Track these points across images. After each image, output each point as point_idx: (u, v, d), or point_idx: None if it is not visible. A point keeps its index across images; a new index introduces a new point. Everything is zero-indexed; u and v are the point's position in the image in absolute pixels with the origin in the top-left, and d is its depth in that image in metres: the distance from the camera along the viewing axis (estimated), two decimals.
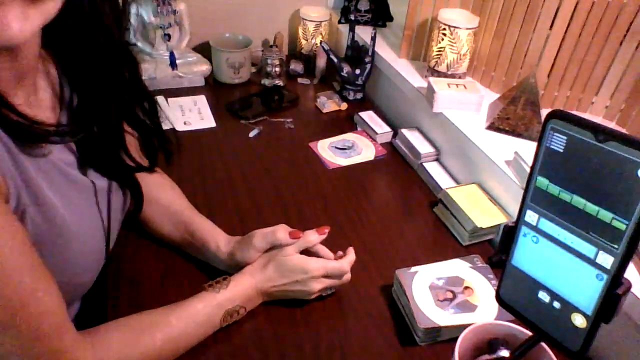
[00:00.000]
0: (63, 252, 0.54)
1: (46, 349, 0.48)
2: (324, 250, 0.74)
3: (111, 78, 0.56)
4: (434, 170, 1.02)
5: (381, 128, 1.14)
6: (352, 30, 1.25)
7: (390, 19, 1.38)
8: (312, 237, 0.73)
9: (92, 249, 0.60)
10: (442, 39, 1.01)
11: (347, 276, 0.74)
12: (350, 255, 0.74)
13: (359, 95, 1.29)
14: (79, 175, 0.58)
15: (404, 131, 1.10)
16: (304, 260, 0.70)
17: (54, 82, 0.58)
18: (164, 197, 0.79)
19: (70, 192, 0.56)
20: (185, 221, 0.77)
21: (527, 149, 0.85)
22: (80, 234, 0.56)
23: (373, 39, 1.19)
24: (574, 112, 0.45)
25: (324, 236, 0.74)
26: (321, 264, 0.71)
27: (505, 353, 0.55)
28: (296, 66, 1.39)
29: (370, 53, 1.21)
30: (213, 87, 1.30)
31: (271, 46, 1.33)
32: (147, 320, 0.61)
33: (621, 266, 0.37)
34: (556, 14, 0.90)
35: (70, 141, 0.55)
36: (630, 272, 0.66)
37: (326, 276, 0.71)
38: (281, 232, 0.72)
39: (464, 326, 0.56)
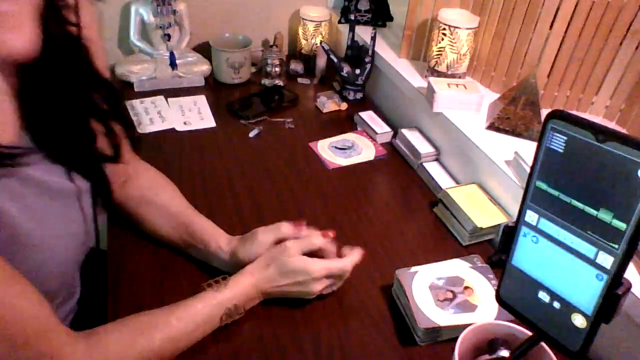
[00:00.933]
0: (24, 262, 0.52)
1: (34, 353, 0.47)
2: (327, 247, 0.74)
3: (60, 71, 0.55)
4: (434, 170, 1.02)
5: (381, 128, 1.14)
6: (352, 30, 1.25)
7: (390, 19, 1.38)
8: (317, 240, 0.72)
9: (60, 257, 0.59)
10: (442, 39, 1.01)
11: (347, 274, 0.74)
12: (355, 256, 0.74)
13: (359, 95, 1.29)
14: (52, 181, 0.57)
15: (404, 131, 1.10)
16: (306, 261, 0.70)
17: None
18: (162, 197, 0.79)
19: (37, 201, 0.54)
20: (184, 222, 0.77)
21: (527, 149, 0.85)
22: (48, 244, 0.55)
23: (373, 39, 1.19)
24: (574, 112, 0.45)
25: (327, 240, 0.74)
26: (323, 265, 0.70)
27: (505, 353, 0.55)
28: (296, 66, 1.39)
29: (370, 53, 1.21)
30: (213, 87, 1.30)
31: (271, 46, 1.33)
32: (146, 321, 0.61)
33: (621, 266, 0.37)
34: (556, 14, 0.90)
35: (26, 164, 0.52)
36: (630, 272, 0.66)
37: (328, 277, 0.71)
38: (285, 226, 0.73)
39: (464, 326, 0.56)
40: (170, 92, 1.24)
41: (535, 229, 0.42)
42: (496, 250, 0.86)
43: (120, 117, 0.65)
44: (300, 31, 1.41)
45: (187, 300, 0.65)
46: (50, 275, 0.58)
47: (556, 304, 0.42)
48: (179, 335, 0.62)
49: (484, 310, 0.70)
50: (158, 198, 0.79)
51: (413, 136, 1.09)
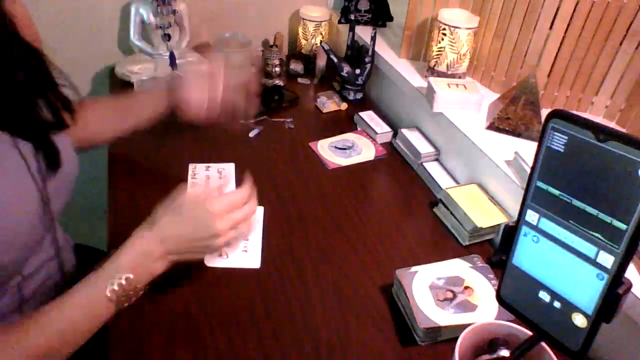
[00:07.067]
0: None
1: None
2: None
3: None
4: (434, 170, 1.02)
5: (381, 128, 1.14)
6: (352, 30, 1.25)
7: (390, 19, 1.38)
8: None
9: (10, 226, 0.57)
10: (442, 39, 1.01)
11: (253, 207, 0.70)
12: (247, 184, 0.70)
13: (359, 95, 1.29)
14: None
15: (404, 131, 1.10)
16: (199, 194, 0.66)
17: None
18: (99, 106, 0.86)
19: None
20: (121, 102, 0.84)
21: (527, 149, 0.85)
22: None
23: (373, 39, 1.19)
24: (574, 112, 0.45)
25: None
26: (219, 195, 0.66)
27: (505, 353, 0.55)
28: (296, 66, 1.39)
29: (370, 53, 1.21)
30: None
31: (271, 46, 1.33)
32: (27, 326, 0.56)
33: (622, 266, 0.37)
34: (556, 14, 0.90)
35: None
36: (631, 272, 0.66)
37: (230, 211, 0.66)
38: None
39: (464, 326, 0.56)
40: None
41: (535, 228, 0.43)
42: (496, 250, 0.86)
43: (52, 86, 0.64)
44: (300, 31, 1.41)
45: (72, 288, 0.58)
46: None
47: (557, 304, 0.42)
48: (63, 329, 0.56)
49: (484, 310, 0.70)
50: (96, 109, 0.83)
51: (413, 136, 1.09)
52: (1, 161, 0.58)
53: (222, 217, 0.65)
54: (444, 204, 0.91)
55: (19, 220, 0.59)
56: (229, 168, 0.99)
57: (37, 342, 0.54)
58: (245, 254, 0.79)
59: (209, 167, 0.98)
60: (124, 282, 0.58)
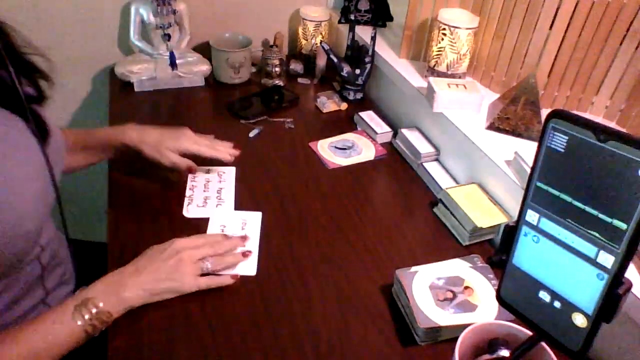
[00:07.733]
0: None
1: None
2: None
3: None
4: (434, 170, 1.02)
5: (381, 128, 1.14)
6: (352, 30, 1.25)
7: (390, 19, 1.38)
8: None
9: (29, 195, 0.59)
10: (442, 39, 1.01)
11: (223, 245, 0.77)
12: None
13: (359, 95, 1.29)
14: None
15: (404, 131, 1.10)
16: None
17: None
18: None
19: None
20: (83, 138, 0.83)
21: (527, 149, 0.85)
22: (10, 184, 0.56)
23: (373, 39, 1.19)
24: (574, 112, 0.45)
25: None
26: (190, 238, 0.75)
27: (505, 353, 0.55)
28: (296, 66, 1.39)
29: (370, 53, 1.21)
30: (213, 87, 1.30)
31: (271, 46, 1.33)
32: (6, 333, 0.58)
33: (622, 266, 0.37)
34: (556, 14, 0.90)
35: None
36: (631, 272, 0.66)
37: (198, 247, 0.74)
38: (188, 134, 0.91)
39: (464, 326, 0.56)
40: (171, 93, 1.25)
41: (536, 228, 0.42)
42: (497, 250, 0.86)
43: (15, 55, 0.63)
44: (300, 31, 1.41)
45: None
46: (23, 217, 0.57)
47: (557, 304, 0.42)
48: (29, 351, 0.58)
49: (484, 310, 0.70)
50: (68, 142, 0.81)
51: (413, 136, 1.09)
52: (17, 137, 0.60)
53: (187, 242, 0.73)
54: (444, 204, 0.91)
55: (35, 189, 0.61)
56: (230, 172, 0.99)
57: (10, 354, 0.56)
58: (241, 261, 0.79)
59: (209, 170, 0.98)
60: (94, 310, 0.62)
